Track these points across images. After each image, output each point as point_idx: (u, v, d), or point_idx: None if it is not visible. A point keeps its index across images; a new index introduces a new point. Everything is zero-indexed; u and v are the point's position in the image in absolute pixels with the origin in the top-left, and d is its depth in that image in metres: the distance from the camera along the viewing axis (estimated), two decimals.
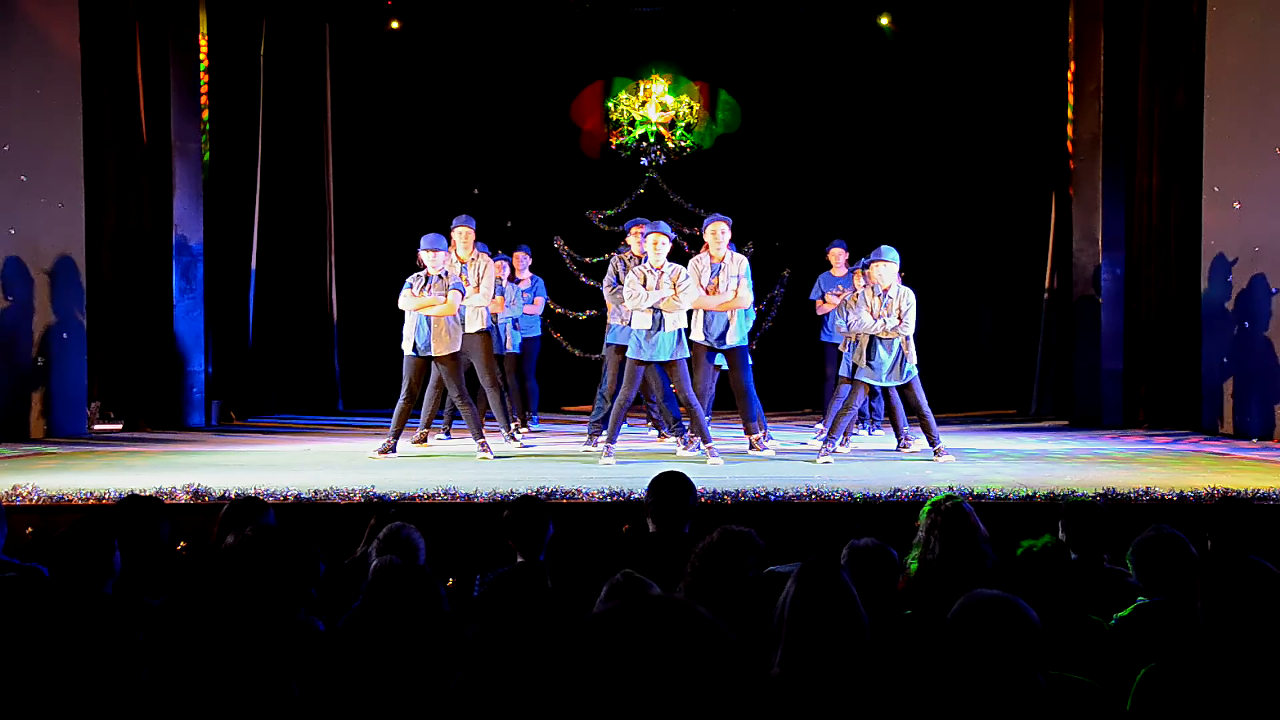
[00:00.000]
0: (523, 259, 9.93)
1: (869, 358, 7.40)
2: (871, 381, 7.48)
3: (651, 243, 7.34)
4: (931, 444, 7.35)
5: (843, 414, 7.55)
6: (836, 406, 8.04)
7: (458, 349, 7.68)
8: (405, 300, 7.65)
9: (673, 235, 7.50)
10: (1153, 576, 3.52)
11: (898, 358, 7.38)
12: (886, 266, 7.45)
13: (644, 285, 7.29)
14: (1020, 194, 11.87)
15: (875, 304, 7.41)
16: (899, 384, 7.49)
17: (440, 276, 7.62)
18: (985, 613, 2.39)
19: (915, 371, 7.43)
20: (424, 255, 7.67)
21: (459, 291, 7.67)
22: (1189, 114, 9.30)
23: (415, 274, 7.72)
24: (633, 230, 8.40)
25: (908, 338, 7.37)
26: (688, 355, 7.40)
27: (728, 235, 7.73)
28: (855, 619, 2.55)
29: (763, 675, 2.56)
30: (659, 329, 7.26)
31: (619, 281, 8.10)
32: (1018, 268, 12.01)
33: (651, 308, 7.23)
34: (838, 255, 9.73)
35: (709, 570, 2.95)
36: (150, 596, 3.38)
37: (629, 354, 7.36)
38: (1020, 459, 7.48)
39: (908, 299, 7.39)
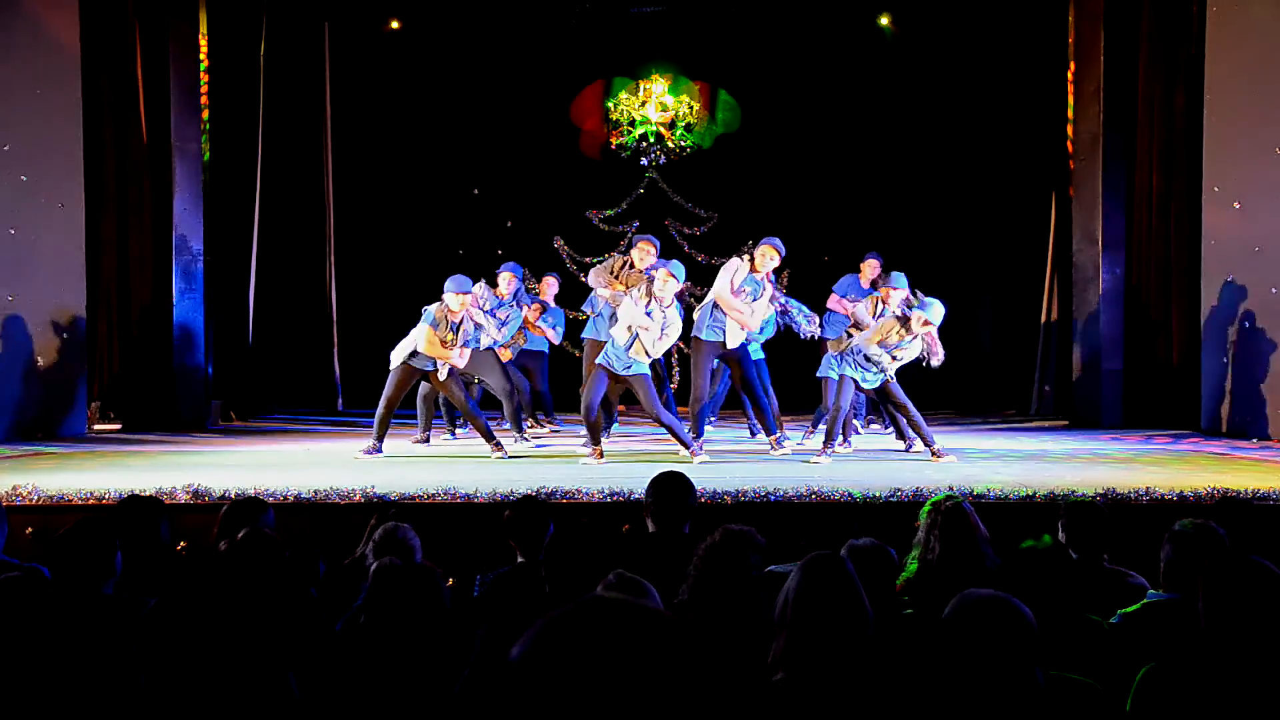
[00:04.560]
0: (552, 284, 9.92)
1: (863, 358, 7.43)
2: (857, 379, 7.46)
3: (662, 277, 7.29)
4: (927, 442, 7.34)
5: (835, 413, 7.55)
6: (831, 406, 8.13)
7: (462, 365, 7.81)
8: (425, 342, 7.64)
9: (682, 279, 7.42)
10: (1180, 571, 3.42)
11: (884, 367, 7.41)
12: (895, 293, 7.56)
13: (638, 305, 7.32)
14: (1020, 194, 11.86)
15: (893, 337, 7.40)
16: (875, 387, 7.50)
17: (460, 325, 7.66)
18: (979, 612, 2.39)
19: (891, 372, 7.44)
20: (449, 298, 7.62)
21: (468, 348, 7.74)
22: (1189, 114, 9.30)
23: (439, 307, 7.64)
24: (640, 244, 8.16)
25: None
26: (645, 373, 7.35)
27: (776, 262, 7.74)
28: (860, 612, 2.55)
29: (752, 669, 2.56)
30: (629, 348, 7.30)
31: (615, 276, 8.14)
32: (1018, 268, 12.01)
33: (629, 328, 7.28)
34: (872, 266, 9.66)
35: (712, 571, 2.95)
36: (150, 596, 3.38)
37: (599, 359, 7.39)
38: (1020, 459, 7.48)
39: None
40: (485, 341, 8.35)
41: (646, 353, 7.29)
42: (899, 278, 8.14)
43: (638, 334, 7.27)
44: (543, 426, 9.66)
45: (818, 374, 8.23)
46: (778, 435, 7.80)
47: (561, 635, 1.09)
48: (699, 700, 1.08)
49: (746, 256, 7.77)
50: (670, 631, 1.10)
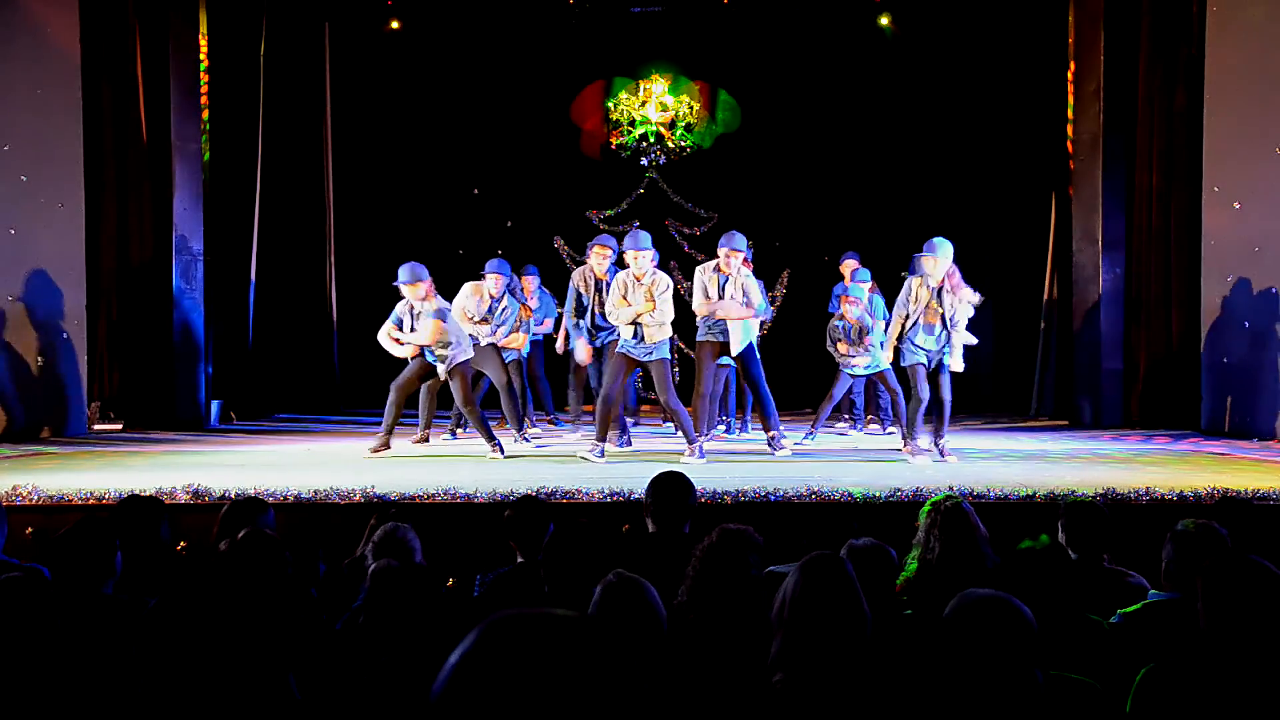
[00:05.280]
0: (531, 281, 9.94)
1: (910, 344, 7.26)
2: (921, 361, 7.26)
3: (632, 258, 7.33)
4: (937, 436, 7.30)
5: (915, 408, 7.33)
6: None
7: (465, 358, 7.75)
8: (382, 335, 7.64)
9: (647, 247, 7.37)
10: (1181, 571, 3.42)
11: (939, 343, 7.24)
12: (939, 262, 7.19)
13: (624, 296, 7.34)
14: (1020, 194, 11.87)
15: (924, 294, 7.19)
16: (931, 369, 7.30)
17: (418, 313, 7.58)
18: (979, 612, 2.39)
19: (948, 363, 7.29)
20: (404, 288, 7.57)
21: (440, 319, 7.55)
22: (1189, 114, 9.30)
23: (402, 304, 7.66)
24: (594, 249, 8.24)
25: (954, 325, 7.22)
26: (666, 357, 7.41)
27: (740, 258, 7.73)
28: (858, 612, 2.55)
29: (751, 670, 2.56)
30: (640, 340, 7.32)
31: (581, 297, 8.22)
32: (1018, 267, 12.01)
33: (632, 321, 7.30)
34: (850, 267, 9.70)
35: (710, 571, 2.95)
36: (150, 596, 3.38)
37: (619, 348, 7.44)
38: (1020, 459, 7.48)
39: (965, 295, 7.22)
40: (485, 339, 8.37)
41: (659, 328, 7.29)
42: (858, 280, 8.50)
43: (638, 324, 7.31)
44: (535, 425, 9.64)
45: (902, 363, 7.85)
46: (776, 434, 7.79)
47: (476, 666, 1.10)
48: (616, 692, 1.09)
49: (713, 262, 7.79)
50: (575, 632, 1.11)
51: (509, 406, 8.58)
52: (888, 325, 7.64)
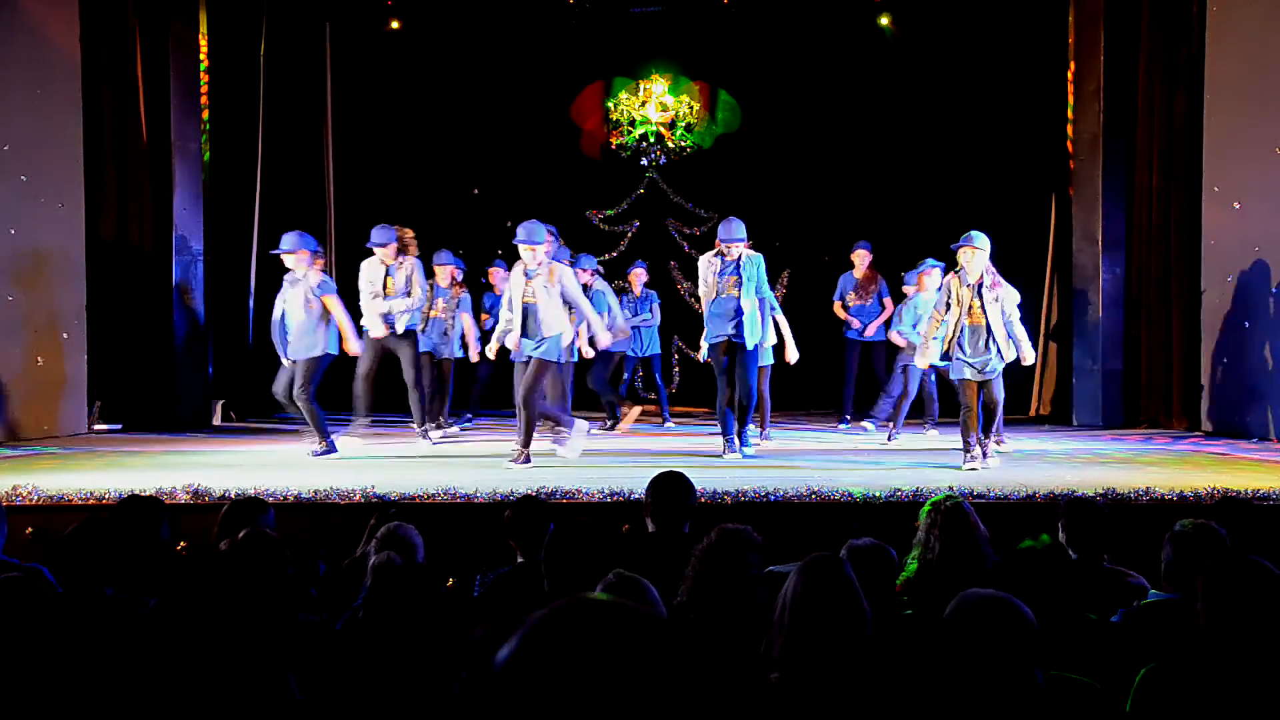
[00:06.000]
0: (498, 274, 9.93)
1: (959, 353, 6.93)
2: (970, 377, 6.94)
3: (528, 250, 7.14)
4: (993, 439, 7.16)
5: (965, 416, 7.01)
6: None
7: (316, 353, 7.62)
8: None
9: (541, 241, 7.20)
10: (1181, 571, 3.42)
11: (985, 351, 6.88)
12: (976, 254, 6.91)
13: (524, 292, 7.18)
14: (1020, 194, 11.86)
15: (965, 294, 6.90)
16: (982, 379, 6.95)
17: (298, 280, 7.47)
18: (979, 612, 2.39)
19: (999, 368, 6.97)
20: (286, 259, 7.52)
21: (329, 294, 7.51)
22: (1189, 114, 9.30)
23: (289, 277, 7.56)
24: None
25: (1008, 323, 6.94)
26: (555, 359, 7.20)
27: (739, 249, 7.66)
28: (858, 613, 2.55)
29: (750, 669, 2.56)
30: (529, 338, 7.13)
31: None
32: (1018, 267, 12.00)
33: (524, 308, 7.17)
34: (861, 257, 9.69)
35: (710, 571, 2.95)
36: (150, 596, 3.38)
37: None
38: (1020, 459, 7.48)
39: (1007, 293, 6.98)
40: (402, 321, 8.34)
41: (555, 322, 7.13)
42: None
43: (529, 320, 7.20)
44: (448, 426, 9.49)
45: (952, 375, 7.32)
46: (733, 438, 7.54)
47: (547, 638, 1.08)
48: (688, 701, 1.07)
49: (713, 252, 7.72)
50: (658, 631, 1.09)
51: (413, 398, 8.51)
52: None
